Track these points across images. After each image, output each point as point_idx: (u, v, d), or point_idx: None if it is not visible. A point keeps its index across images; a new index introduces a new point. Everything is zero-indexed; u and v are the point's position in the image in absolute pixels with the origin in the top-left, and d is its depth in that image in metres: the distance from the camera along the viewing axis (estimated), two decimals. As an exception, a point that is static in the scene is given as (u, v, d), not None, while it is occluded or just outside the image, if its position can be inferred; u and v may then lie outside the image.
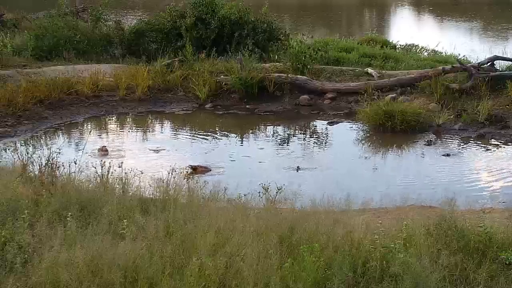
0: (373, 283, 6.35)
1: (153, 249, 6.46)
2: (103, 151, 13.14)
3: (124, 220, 6.87)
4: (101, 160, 9.77)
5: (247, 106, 16.91)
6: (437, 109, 15.35)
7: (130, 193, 8.42)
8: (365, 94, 16.03)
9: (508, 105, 15.31)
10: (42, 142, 14.14)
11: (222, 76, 17.44)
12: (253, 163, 12.96)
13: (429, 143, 14.05)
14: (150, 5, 35.59)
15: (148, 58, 18.70)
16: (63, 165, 8.95)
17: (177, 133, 15.45)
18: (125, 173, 9.01)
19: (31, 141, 14.11)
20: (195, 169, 12.38)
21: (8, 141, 13.78)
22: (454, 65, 16.97)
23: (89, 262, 6.13)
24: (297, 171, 12.26)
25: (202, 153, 13.53)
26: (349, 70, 17.98)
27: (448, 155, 13.39)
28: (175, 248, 6.56)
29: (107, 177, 8.87)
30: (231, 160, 13.04)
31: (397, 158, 13.76)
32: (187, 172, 11.77)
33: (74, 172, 9.02)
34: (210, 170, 12.36)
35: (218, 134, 15.26)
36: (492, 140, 14.29)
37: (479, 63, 16.85)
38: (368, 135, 14.97)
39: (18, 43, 19.75)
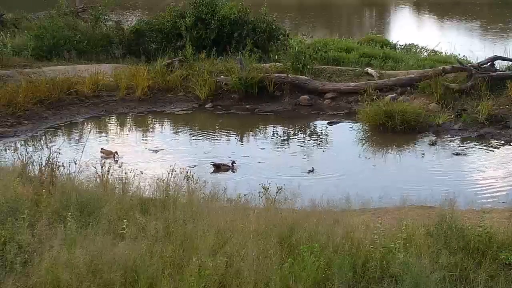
0: (373, 283, 6.36)
1: (153, 249, 6.46)
2: (107, 153, 12.95)
3: (124, 220, 6.87)
4: (102, 161, 9.76)
5: (247, 106, 16.90)
6: (437, 109, 15.34)
7: (130, 193, 8.42)
8: (365, 94, 16.01)
9: (508, 105, 15.31)
10: (42, 142, 14.15)
11: (222, 76, 17.43)
12: (253, 163, 12.94)
13: (433, 143, 14.03)
14: (150, 5, 35.58)
15: (148, 58, 18.70)
16: (63, 165, 8.94)
17: (177, 133, 15.45)
18: (125, 173, 9.01)
19: (31, 141, 14.12)
20: (218, 167, 12.35)
21: (8, 141, 13.78)
22: (454, 65, 16.97)
23: (89, 262, 6.13)
24: (312, 172, 12.25)
25: (202, 154, 13.53)
26: (349, 70, 17.97)
27: (458, 154, 13.39)
28: (175, 248, 6.56)
29: (107, 177, 8.87)
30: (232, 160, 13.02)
31: (405, 158, 13.69)
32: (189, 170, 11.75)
33: (74, 172, 9.02)
34: (234, 168, 12.39)
35: (218, 134, 15.26)
36: (492, 140, 14.28)
37: (479, 63, 16.84)
38: (368, 135, 14.96)
39: (18, 43, 19.74)
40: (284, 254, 6.60)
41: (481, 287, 6.32)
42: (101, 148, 13.20)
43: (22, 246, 6.44)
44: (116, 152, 12.95)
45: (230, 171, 12.37)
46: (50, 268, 6.02)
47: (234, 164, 12.47)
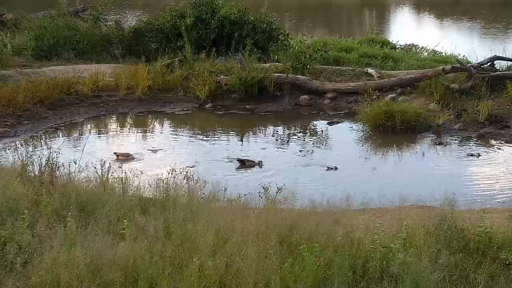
0: (373, 283, 6.35)
1: (153, 249, 6.46)
2: (125, 155, 12.87)
3: (124, 220, 6.87)
4: (101, 160, 9.73)
5: (247, 106, 16.90)
6: (437, 109, 15.33)
7: (130, 193, 8.42)
8: (365, 94, 16.02)
9: (508, 105, 15.32)
10: (42, 142, 14.14)
11: (222, 76, 17.43)
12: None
13: (439, 143, 14.03)
14: (150, 5, 35.57)
15: (148, 58, 18.69)
16: (63, 165, 8.94)
17: (177, 133, 15.45)
18: (125, 173, 9.00)
19: (31, 141, 14.11)
20: (243, 163, 12.50)
21: (8, 141, 13.77)
22: (454, 65, 16.97)
23: (89, 262, 6.13)
24: (335, 170, 12.37)
25: (202, 153, 13.54)
26: (349, 70, 17.98)
27: (472, 155, 13.38)
28: (175, 248, 6.56)
29: (107, 177, 8.86)
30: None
31: (405, 158, 13.65)
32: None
33: (74, 172, 9.01)
34: (257, 164, 12.54)
35: (219, 134, 15.26)
36: (492, 140, 14.28)
37: (479, 63, 16.85)
38: (368, 135, 14.95)
39: (18, 43, 19.75)
40: (284, 254, 6.60)
41: (481, 287, 6.32)
42: (115, 153, 13.02)
43: (22, 246, 6.44)
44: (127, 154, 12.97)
45: (256, 167, 12.51)
46: (50, 268, 6.02)
47: (260, 162, 12.64)
